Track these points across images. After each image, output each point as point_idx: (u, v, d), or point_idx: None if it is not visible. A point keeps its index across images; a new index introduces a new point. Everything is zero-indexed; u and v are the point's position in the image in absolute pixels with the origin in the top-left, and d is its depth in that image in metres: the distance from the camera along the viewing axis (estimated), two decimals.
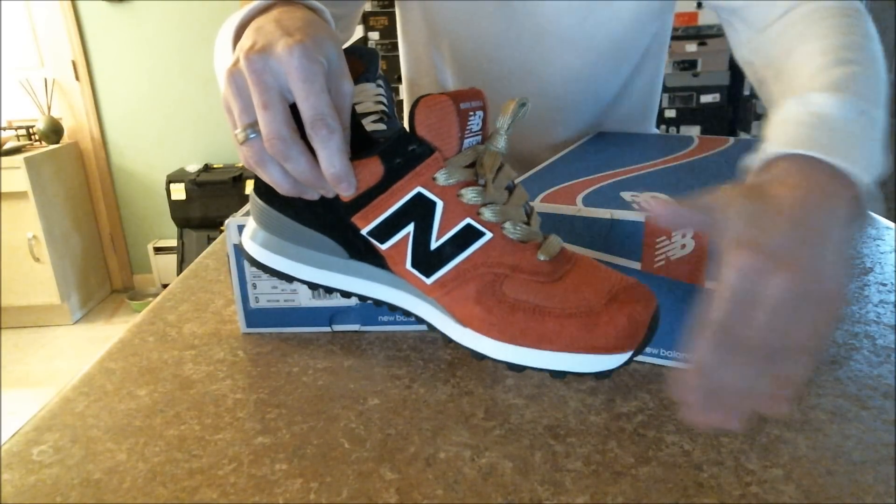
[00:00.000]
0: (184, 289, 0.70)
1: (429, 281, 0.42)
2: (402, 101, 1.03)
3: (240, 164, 3.02)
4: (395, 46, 2.60)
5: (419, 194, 0.41)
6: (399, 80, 1.28)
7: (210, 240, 2.88)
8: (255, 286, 0.58)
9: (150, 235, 3.20)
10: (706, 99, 2.58)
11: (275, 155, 0.39)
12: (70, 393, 0.51)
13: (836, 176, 0.39)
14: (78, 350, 2.64)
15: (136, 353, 0.57)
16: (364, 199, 0.42)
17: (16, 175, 2.63)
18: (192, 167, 2.97)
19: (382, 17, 2.60)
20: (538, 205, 0.52)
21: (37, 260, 2.76)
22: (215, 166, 3.02)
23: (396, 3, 0.90)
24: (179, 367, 0.54)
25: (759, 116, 2.53)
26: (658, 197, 0.51)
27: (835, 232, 0.36)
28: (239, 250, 0.55)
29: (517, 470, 0.41)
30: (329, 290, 0.46)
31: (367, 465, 0.41)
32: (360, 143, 0.47)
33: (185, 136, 3.06)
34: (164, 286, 3.09)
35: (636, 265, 0.49)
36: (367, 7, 2.59)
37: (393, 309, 0.46)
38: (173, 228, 3.03)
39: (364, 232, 0.43)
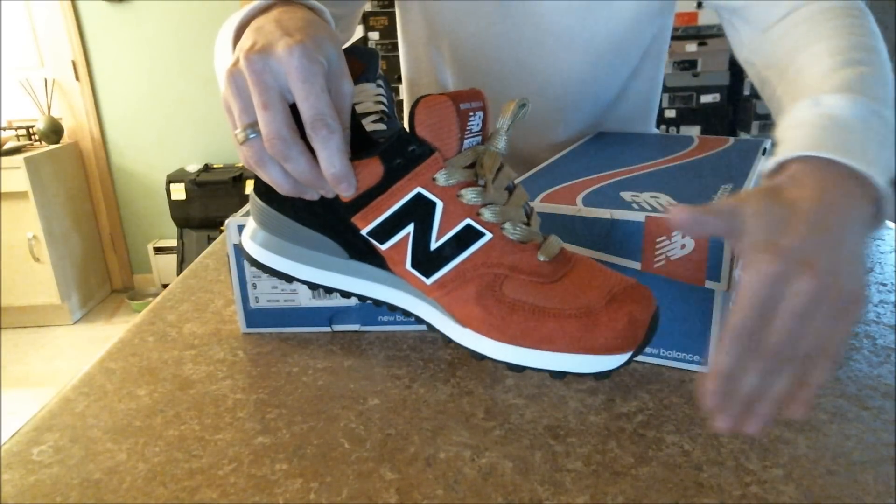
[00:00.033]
0: (184, 289, 0.70)
1: (429, 281, 0.42)
2: (402, 101, 1.03)
3: (240, 164, 3.02)
4: (395, 46, 2.60)
5: (419, 195, 0.41)
6: (399, 80, 1.28)
7: (210, 240, 2.88)
8: (255, 286, 0.58)
9: (150, 235, 3.20)
10: (706, 99, 2.58)
11: (275, 155, 0.39)
12: (70, 393, 0.51)
13: (852, 177, 0.39)
14: (78, 350, 2.64)
15: (136, 353, 0.57)
16: (364, 200, 0.42)
17: (16, 175, 2.63)
18: (192, 167, 2.97)
19: (382, 17, 2.60)
20: (538, 205, 0.52)
21: (37, 260, 2.76)
22: (215, 166, 3.02)
23: (396, 3, 0.90)
24: (179, 367, 0.54)
25: (760, 116, 2.53)
26: (673, 203, 0.51)
27: (853, 234, 0.36)
28: (239, 250, 0.55)
29: (517, 470, 0.41)
30: (329, 290, 0.46)
31: (367, 465, 0.41)
32: (360, 144, 0.47)
33: (185, 136, 3.06)
34: (164, 286, 3.09)
35: (636, 265, 0.49)
36: (367, 7, 2.59)
37: (393, 309, 0.46)
38: (173, 228, 3.03)
39: (364, 232, 0.43)
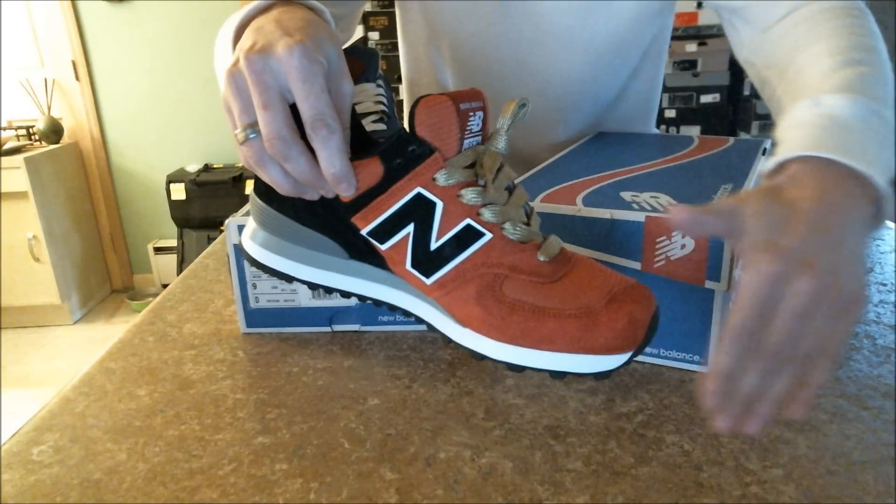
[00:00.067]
0: (184, 289, 0.70)
1: (429, 281, 0.42)
2: (402, 101, 1.03)
3: (240, 164, 3.02)
4: (395, 46, 2.60)
5: (419, 195, 0.41)
6: (399, 80, 1.28)
7: (210, 240, 2.88)
8: (255, 286, 0.58)
9: (150, 235, 3.20)
10: (706, 99, 2.58)
11: (275, 155, 0.39)
12: (70, 393, 0.51)
13: (852, 177, 0.39)
14: (78, 350, 2.64)
15: (136, 353, 0.57)
16: (364, 200, 0.42)
17: (16, 175, 2.63)
18: (192, 167, 2.97)
19: (382, 17, 2.60)
20: (538, 205, 0.52)
21: (37, 260, 2.76)
22: (215, 166, 3.02)
23: (396, 3, 0.90)
24: (179, 367, 0.54)
25: (760, 116, 2.53)
26: (672, 203, 0.51)
27: (853, 234, 0.36)
28: (239, 250, 0.55)
29: (517, 470, 0.41)
30: (329, 290, 0.46)
31: (367, 465, 0.41)
32: (360, 144, 0.47)
33: (185, 136, 3.06)
34: (164, 286, 3.09)
35: (636, 265, 0.49)
36: (367, 7, 2.59)
37: (393, 309, 0.46)
38: (173, 228, 3.03)
39: (364, 232, 0.43)
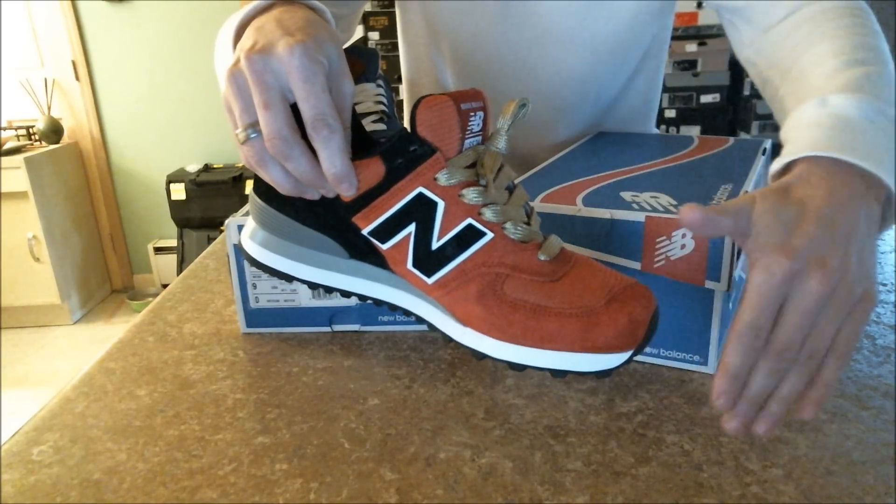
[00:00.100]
0: (184, 289, 0.70)
1: (430, 281, 0.42)
2: (402, 101, 1.03)
3: (240, 164, 3.02)
4: (395, 46, 2.60)
5: (420, 194, 0.41)
6: (399, 80, 1.28)
7: (210, 240, 2.88)
8: (255, 286, 0.58)
9: (150, 235, 3.20)
10: (706, 99, 2.58)
11: (276, 155, 0.39)
12: (70, 393, 0.51)
13: (860, 177, 0.39)
14: (78, 350, 2.64)
15: (136, 353, 0.57)
16: (365, 200, 0.42)
17: (16, 175, 2.63)
18: (192, 167, 2.97)
19: (382, 17, 2.60)
20: (538, 205, 0.52)
21: (37, 260, 2.76)
22: (215, 166, 3.02)
23: (396, 3, 0.90)
24: (179, 367, 0.54)
25: (760, 116, 2.53)
26: (673, 202, 0.51)
27: (862, 232, 0.36)
28: (239, 250, 0.55)
29: (517, 470, 0.41)
30: (329, 290, 0.46)
31: (367, 465, 0.41)
32: (360, 143, 0.47)
33: (185, 136, 3.06)
34: (164, 286, 3.09)
35: (636, 265, 0.49)
36: (367, 7, 2.59)
37: (393, 308, 0.46)
38: (173, 228, 3.03)
39: (365, 232, 0.43)
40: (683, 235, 0.46)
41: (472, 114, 0.41)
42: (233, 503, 0.39)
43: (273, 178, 0.41)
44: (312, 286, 0.46)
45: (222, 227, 1.08)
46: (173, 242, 3.06)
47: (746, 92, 2.56)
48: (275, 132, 0.39)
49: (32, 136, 2.92)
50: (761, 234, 0.36)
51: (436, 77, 0.88)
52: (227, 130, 3.03)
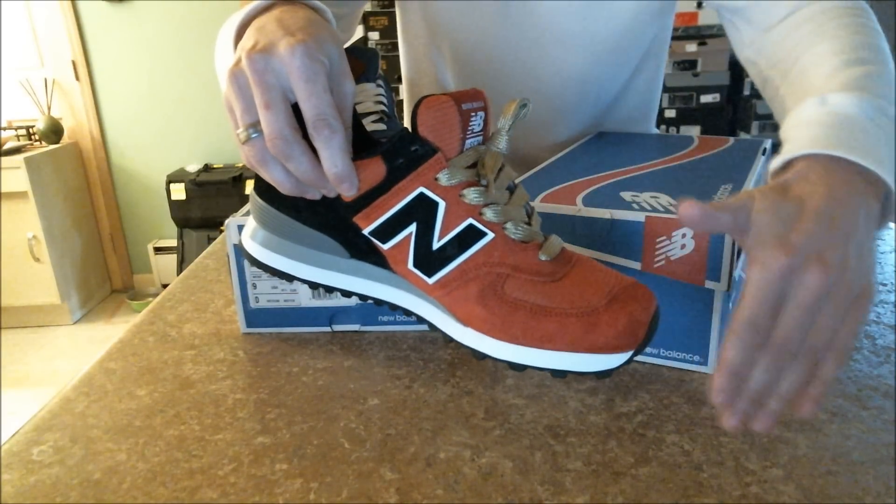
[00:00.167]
0: (184, 289, 0.70)
1: (430, 281, 0.42)
2: (402, 101, 1.03)
3: (240, 164, 3.02)
4: (395, 46, 2.60)
5: (421, 194, 0.41)
6: (399, 80, 1.28)
7: (210, 240, 2.88)
8: (255, 286, 0.58)
9: (150, 235, 3.20)
10: (706, 99, 2.58)
11: (277, 154, 0.39)
12: (70, 393, 0.51)
13: (859, 174, 0.39)
14: (78, 350, 2.64)
15: (136, 353, 0.57)
16: (366, 199, 0.42)
17: (16, 175, 2.63)
18: (192, 167, 2.97)
19: (382, 17, 2.60)
20: (538, 205, 0.52)
21: (37, 260, 2.76)
22: (215, 166, 3.02)
23: (396, 3, 0.90)
24: (179, 367, 0.54)
25: (760, 116, 2.53)
26: (674, 202, 0.51)
27: (862, 228, 0.36)
28: (239, 250, 0.55)
29: (517, 470, 0.41)
30: (329, 290, 0.46)
31: (367, 465, 0.41)
32: (360, 143, 0.47)
33: (185, 136, 3.06)
34: (164, 286, 3.09)
35: (636, 265, 0.49)
36: (367, 7, 2.59)
37: (393, 308, 0.46)
38: (173, 228, 3.03)
39: (366, 232, 0.43)
40: (683, 235, 0.47)
41: (473, 114, 0.41)
42: (233, 503, 0.39)
43: (274, 177, 0.41)
44: (313, 286, 0.46)
45: (222, 227, 1.08)
46: (173, 242, 3.06)
47: (746, 92, 2.56)
48: (276, 132, 0.39)
49: (32, 136, 2.92)
50: (760, 230, 0.36)
51: (436, 77, 0.88)
52: (227, 130, 3.03)
